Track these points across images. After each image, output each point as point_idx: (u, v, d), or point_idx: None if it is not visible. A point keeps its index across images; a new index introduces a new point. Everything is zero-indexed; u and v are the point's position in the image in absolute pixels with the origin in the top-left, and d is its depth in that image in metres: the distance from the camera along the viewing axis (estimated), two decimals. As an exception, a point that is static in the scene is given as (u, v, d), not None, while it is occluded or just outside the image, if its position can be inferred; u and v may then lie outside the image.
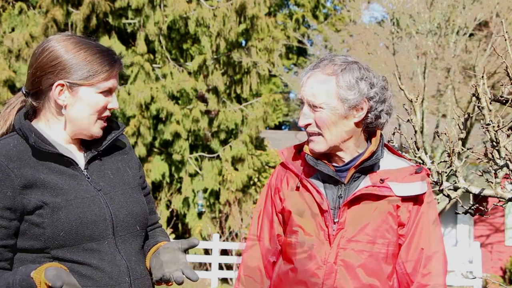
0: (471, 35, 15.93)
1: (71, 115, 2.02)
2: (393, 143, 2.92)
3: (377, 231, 2.18)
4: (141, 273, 2.04)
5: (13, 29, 15.52)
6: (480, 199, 2.90)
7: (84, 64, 1.99)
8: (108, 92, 2.04)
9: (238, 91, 16.25)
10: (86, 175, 2.03)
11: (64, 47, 2.00)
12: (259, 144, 16.65)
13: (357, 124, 2.25)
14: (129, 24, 15.65)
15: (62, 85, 1.99)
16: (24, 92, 2.07)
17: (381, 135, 2.30)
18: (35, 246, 1.91)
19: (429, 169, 2.96)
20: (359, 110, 2.23)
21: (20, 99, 2.09)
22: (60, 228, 1.90)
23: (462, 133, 2.95)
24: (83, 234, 1.92)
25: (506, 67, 2.75)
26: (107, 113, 2.06)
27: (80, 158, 2.07)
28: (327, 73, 2.22)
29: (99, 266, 1.94)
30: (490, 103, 2.81)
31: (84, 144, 2.10)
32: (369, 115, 2.24)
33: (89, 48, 2.02)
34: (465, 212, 3.01)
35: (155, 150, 16.03)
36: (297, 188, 2.28)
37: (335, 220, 2.19)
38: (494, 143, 2.81)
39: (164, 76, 15.59)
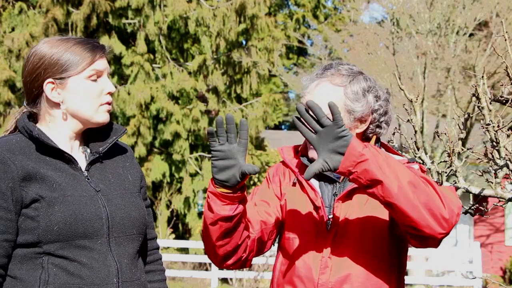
0: (471, 35, 15.94)
1: (70, 109, 2.04)
2: (393, 143, 2.92)
3: (369, 223, 2.19)
4: (132, 276, 2.03)
5: (13, 29, 15.54)
6: (480, 199, 2.90)
7: (65, 56, 2.01)
8: (98, 76, 2.05)
9: (238, 91, 16.25)
10: (86, 176, 2.04)
11: (45, 48, 2.04)
12: (259, 144, 16.66)
13: (357, 134, 2.25)
14: (129, 24, 15.65)
15: (52, 83, 2.02)
16: (25, 105, 2.11)
17: (377, 140, 2.31)
18: (29, 240, 1.92)
19: (429, 169, 2.96)
20: (363, 122, 2.24)
21: (22, 111, 2.12)
22: (54, 222, 1.91)
23: (462, 133, 2.95)
24: (77, 230, 1.93)
25: (506, 67, 2.75)
26: (107, 98, 2.06)
27: (81, 160, 2.08)
28: (335, 83, 2.22)
29: (89, 264, 1.94)
30: (490, 103, 2.80)
31: (85, 146, 2.12)
32: (371, 126, 2.26)
33: (68, 42, 2.04)
34: (465, 212, 3.01)
35: (155, 150, 16.04)
36: (294, 184, 2.29)
37: (329, 217, 2.20)
38: (494, 143, 2.81)
39: (164, 76, 15.59)
